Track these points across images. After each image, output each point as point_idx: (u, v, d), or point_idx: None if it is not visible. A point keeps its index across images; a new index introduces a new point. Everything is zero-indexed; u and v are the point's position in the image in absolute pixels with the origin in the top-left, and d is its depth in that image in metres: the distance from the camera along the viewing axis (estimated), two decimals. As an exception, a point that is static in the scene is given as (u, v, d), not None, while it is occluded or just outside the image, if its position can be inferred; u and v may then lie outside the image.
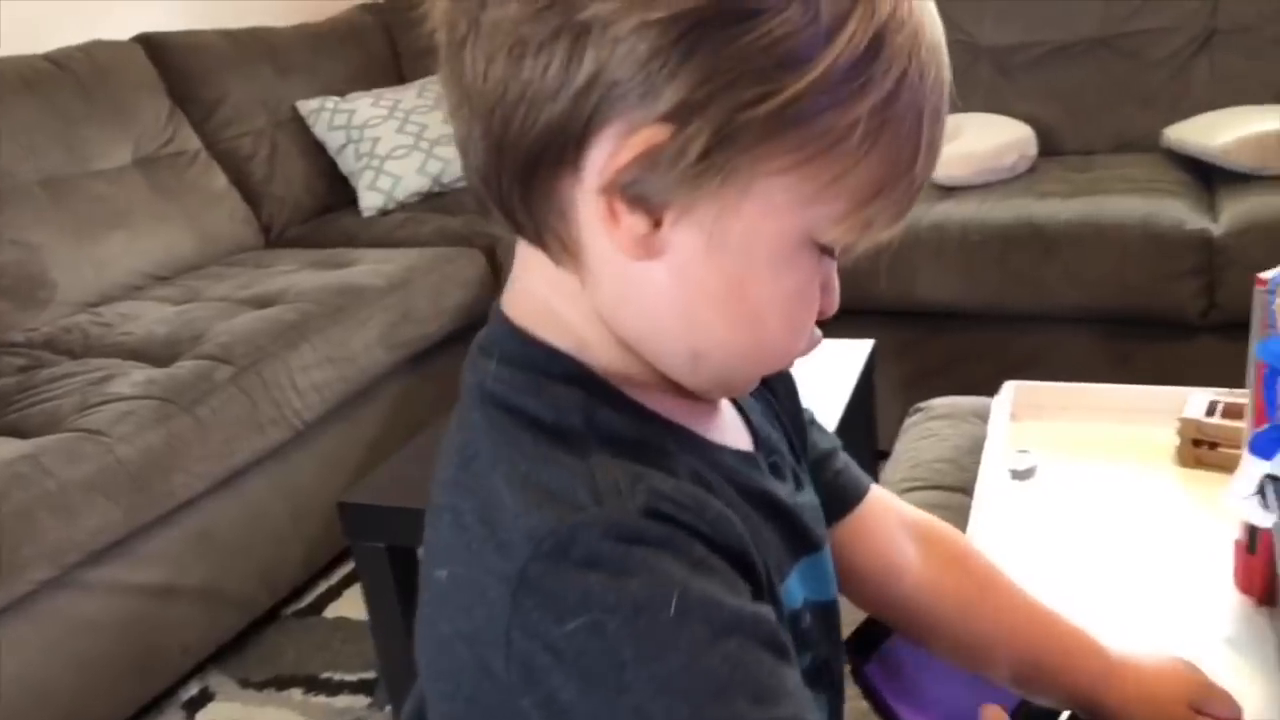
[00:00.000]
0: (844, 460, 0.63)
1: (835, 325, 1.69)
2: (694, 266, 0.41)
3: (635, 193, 0.39)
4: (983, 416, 1.09)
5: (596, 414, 0.42)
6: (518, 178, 0.40)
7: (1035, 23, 2.42)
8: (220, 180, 2.46)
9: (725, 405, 0.50)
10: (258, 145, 2.57)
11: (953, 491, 1.00)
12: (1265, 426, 0.69)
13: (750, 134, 0.38)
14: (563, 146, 0.39)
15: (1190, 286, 1.81)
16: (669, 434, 0.44)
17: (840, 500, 0.61)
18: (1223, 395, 0.98)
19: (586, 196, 0.40)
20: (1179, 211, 1.87)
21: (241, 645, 1.77)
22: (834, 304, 0.45)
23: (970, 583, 0.63)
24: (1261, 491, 0.70)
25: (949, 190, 2.16)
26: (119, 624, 1.53)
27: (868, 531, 0.61)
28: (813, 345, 0.45)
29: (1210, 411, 0.97)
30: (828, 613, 0.52)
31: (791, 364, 0.46)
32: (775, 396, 0.56)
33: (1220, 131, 2.06)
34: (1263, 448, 0.68)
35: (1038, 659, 0.60)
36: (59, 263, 2.04)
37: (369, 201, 2.59)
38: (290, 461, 1.80)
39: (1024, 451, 1.01)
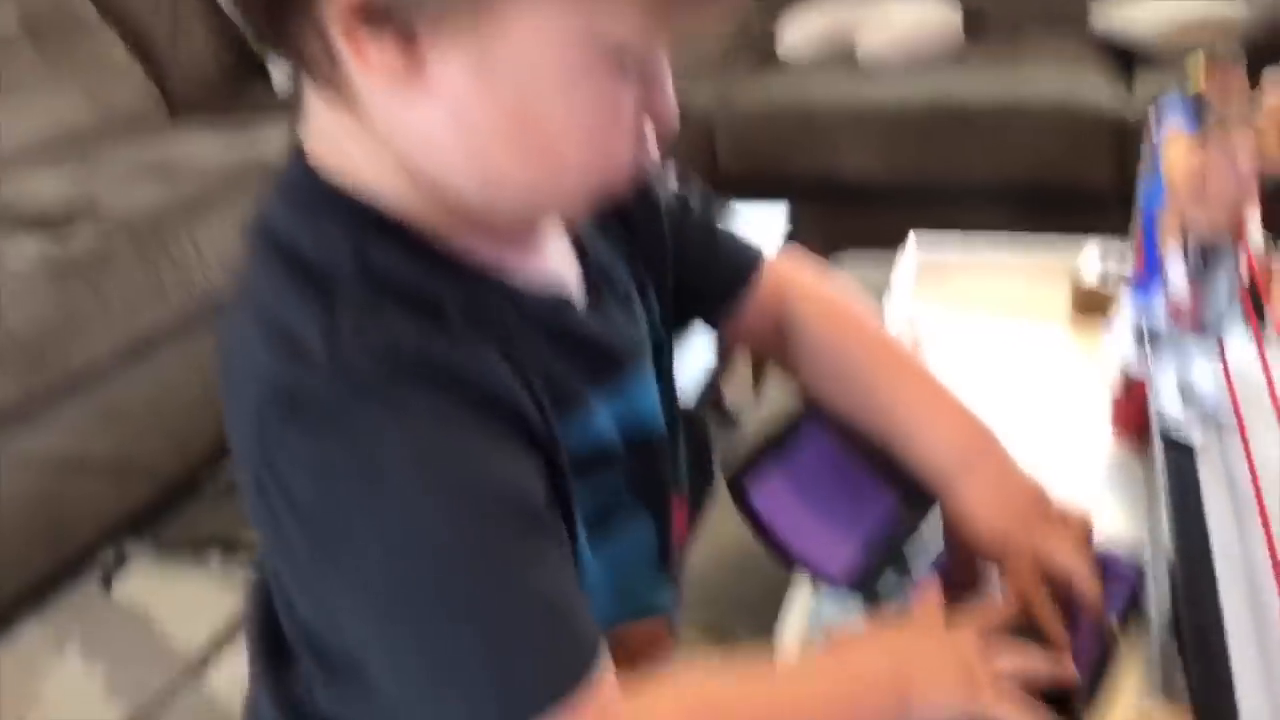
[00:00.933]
0: (726, 241, 0.62)
1: (755, 196, 1.70)
2: (466, 101, 0.38)
3: (376, 11, 0.36)
4: (888, 271, 1.11)
5: (369, 254, 0.40)
6: (265, 11, 0.39)
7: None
8: (117, 48, 2.33)
9: (556, 235, 0.49)
10: (158, 9, 2.43)
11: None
12: (1143, 268, 0.71)
13: None
14: None
15: (1104, 163, 1.85)
16: (457, 278, 0.42)
17: (728, 281, 0.61)
18: (1114, 244, 1.01)
19: (334, 26, 0.37)
20: (1096, 91, 1.89)
21: (157, 515, 1.76)
22: (669, 116, 0.42)
23: (862, 339, 0.63)
24: (1138, 334, 0.72)
25: (876, 69, 2.15)
26: (25, 495, 1.51)
27: (759, 303, 0.62)
28: (645, 167, 0.43)
29: (1102, 261, 1.00)
30: (653, 441, 0.51)
31: (620, 189, 0.44)
32: (633, 229, 0.54)
33: (1143, 13, 2.07)
34: (1140, 289, 0.70)
35: (911, 416, 0.60)
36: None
37: (280, 76, 2.48)
38: (199, 333, 1.76)
39: (925, 305, 1.03)
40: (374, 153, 0.41)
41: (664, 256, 0.56)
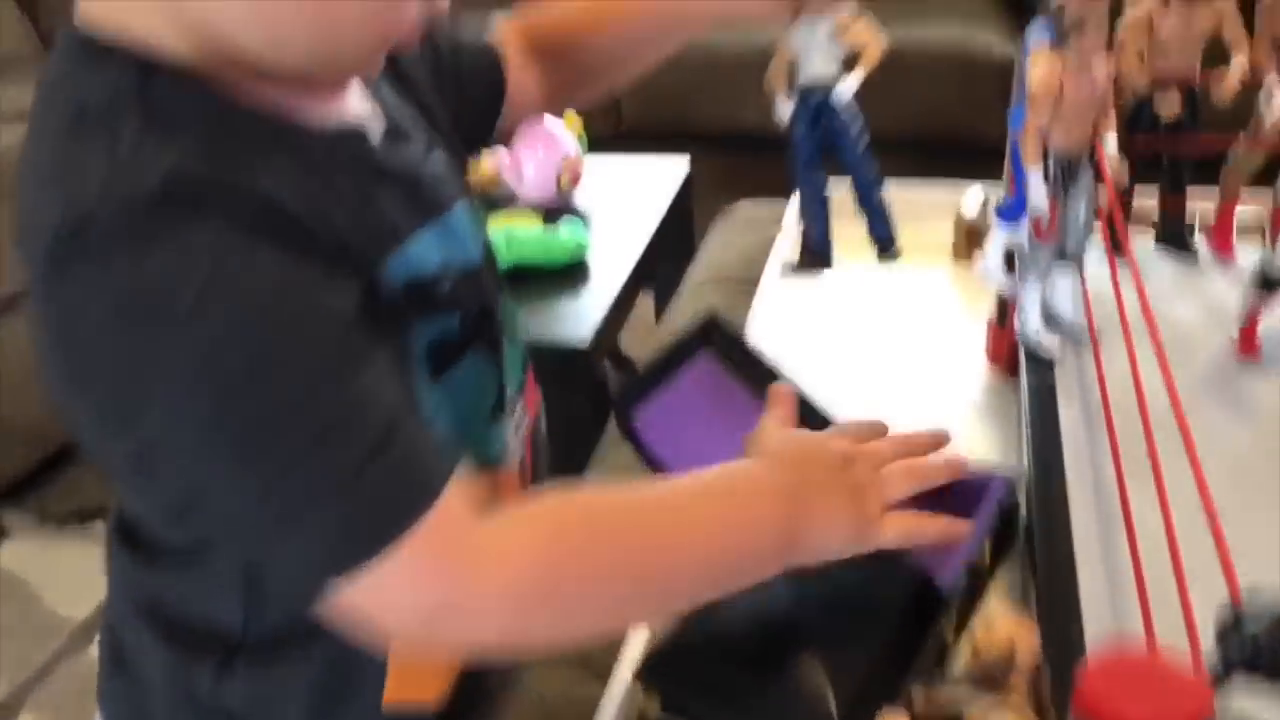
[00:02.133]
0: (467, 44, 0.61)
1: (658, 146, 1.67)
2: None
3: None
4: (780, 218, 1.11)
5: (151, 92, 0.39)
6: None
7: None
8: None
9: (355, 90, 0.49)
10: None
11: (742, 283, 1.02)
12: (1012, 196, 0.72)
13: None
14: None
15: (997, 111, 1.87)
16: (246, 119, 0.42)
17: (486, 72, 0.61)
18: (997, 189, 1.02)
19: None
20: (989, 38, 1.91)
21: (38, 481, 1.68)
22: None
23: None
24: (1008, 260, 0.73)
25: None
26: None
27: (516, 84, 0.62)
28: (431, 13, 0.44)
29: (984, 205, 1.01)
30: (474, 272, 0.51)
31: (402, 40, 0.44)
32: (406, 75, 0.54)
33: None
34: (1009, 214, 0.71)
35: None
36: None
37: None
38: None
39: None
40: (155, 8, 0.41)
41: (440, 101, 0.57)
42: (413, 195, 0.48)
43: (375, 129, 0.48)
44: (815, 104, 0.93)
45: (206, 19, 0.40)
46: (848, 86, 0.90)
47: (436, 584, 0.39)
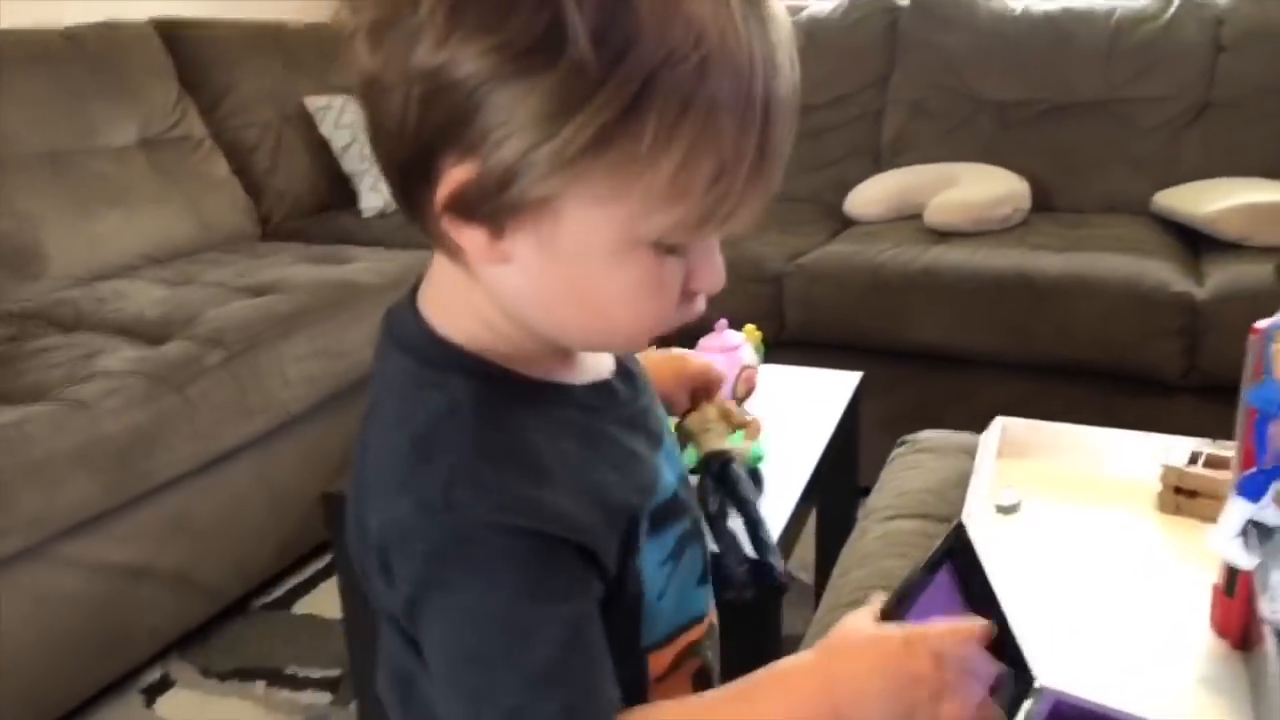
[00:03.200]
0: None
1: (827, 359, 1.71)
2: (538, 270, 0.49)
3: (462, 213, 0.47)
4: (969, 452, 1.11)
5: (478, 412, 0.51)
6: (402, 191, 0.50)
7: (1036, 81, 2.48)
8: (222, 168, 2.47)
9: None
10: (263, 137, 2.58)
11: (937, 521, 1.02)
12: (1253, 470, 0.71)
13: (540, 167, 0.45)
14: (421, 170, 0.47)
15: (1172, 346, 1.85)
16: (535, 392, 0.53)
17: None
18: (1205, 446, 1.01)
19: (439, 210, 0.48)
20: (1165, 273, 1.91)
21: (207, 634, 1.75)
22: (714, 281, 0.52)
23: None
24: (1244, 534, 0.72)
25: (944, 235, 2.20)
26: (89, 601, 1.52)
27: None
28: (687, 317, 0.53)
29: (1193, 461, 1.00)
30: (687, 478, 0.63)
31: (652, 340, 0.54)
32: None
33: (1208, 200, 2.12)
34: (1250, 490, 0.71)
35: None
36: (54, 236, 2.04)
37: (369, 202, 2.60)
38: (274, 451, 1.80)
39: (1009, 488, 1.03)
40: (477, 301, 0.52)
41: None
42: (648, 430, 0.59)
43: (608, 368, 0.59)
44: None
45: (516, 314, 0.52)
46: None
47: None
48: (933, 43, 2.58)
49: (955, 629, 0.54)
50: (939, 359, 2.05)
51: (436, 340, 0.53)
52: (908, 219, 2.34)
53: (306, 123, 2.67)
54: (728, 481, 0.83)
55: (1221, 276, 1.90)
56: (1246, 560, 0.71)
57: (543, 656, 0.48)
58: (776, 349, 2.06)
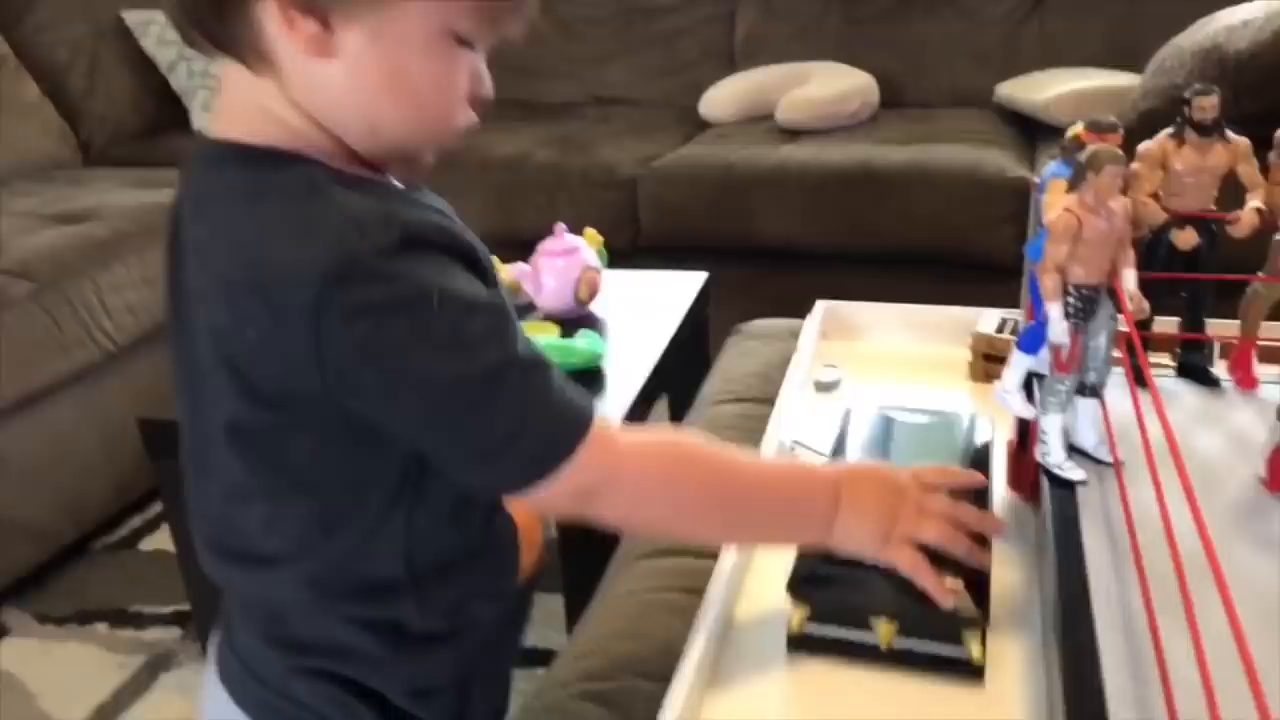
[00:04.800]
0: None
1: (683, 263, 1.69)
2: (363, 59, 0.53)
3: (300, 4, 0.51)
4: (796, 335, 1.12)
5: (330, 177, 0.53)
6: (213, 4, 0.52)
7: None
8: (32, 91, 2.29)
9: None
10: (76, 56, 2.39)
11: (759, 403, 1.02)
12: (1031, 323, 0.73)
13: None
14: None
15: (1009, 231, 1.90)
16: (386, 187, 0.57)
17: None
18: (1015, 314, 1.03)
19: (269, 9, 0.52)
20: (1002, 160, 1.96)
21: (43, 579, 1.67)
22: (487, 89, 0.58)
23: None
24: (1027, 387, 0.74)
25: (795, 134, 2.20)
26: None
27: None
28: (470, 125, 0.58)
29: (1000, 329, 1.02)
30: None
31: (454, 138, 0.58)
32: None
33: (1044, 89, 2.17)
34: (1027, 344, 0.72)
35: None
36: None
37: (203, 122, 2.45)
38: (101, 387, 1.70)
39: (830, 365, 1.04)
40: (289, 108, 0.55)
41: None
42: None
43: None
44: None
45: (329, 116, 0.55)
46: None
47: (592, 477, 0.56)
48: (781, -61, 2.55)
49: (946, 469, 0.68)
50: (790, 256, 2.06)
51: (254, 148, 0.55)
52: (761, 119, 2.33)
53: (126, 39, 2.48)
54: None
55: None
56: (1026, 410, 0.73)
57: (517, 326, 0.55)
58: (633, 255, 2.04)
